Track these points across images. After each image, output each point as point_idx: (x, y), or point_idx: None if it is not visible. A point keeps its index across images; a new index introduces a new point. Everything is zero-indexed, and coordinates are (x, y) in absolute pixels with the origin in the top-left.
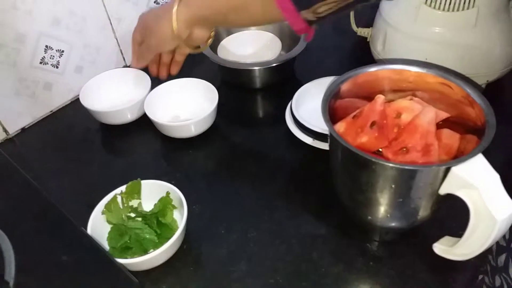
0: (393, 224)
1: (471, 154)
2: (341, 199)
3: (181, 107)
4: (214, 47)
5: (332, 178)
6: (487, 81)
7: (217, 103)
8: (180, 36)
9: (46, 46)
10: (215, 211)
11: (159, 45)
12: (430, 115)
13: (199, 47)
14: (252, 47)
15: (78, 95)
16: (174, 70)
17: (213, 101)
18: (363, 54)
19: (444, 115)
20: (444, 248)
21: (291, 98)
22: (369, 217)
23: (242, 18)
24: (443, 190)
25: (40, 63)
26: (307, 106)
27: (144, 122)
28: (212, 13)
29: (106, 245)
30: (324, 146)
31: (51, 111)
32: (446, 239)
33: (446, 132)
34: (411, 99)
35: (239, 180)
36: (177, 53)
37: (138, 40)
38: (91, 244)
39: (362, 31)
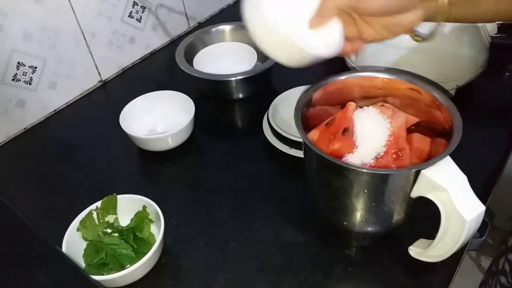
0: (369, 229)
1: (439, 157)
2: (317, 206)
3: (157, 120)
4: (190, 59)
5: (308, 185)
6: (457, 85)
7: (194, 114)
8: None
9: (18, 63)
10: (193, 223)
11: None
12: (400, 120)
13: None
14: (228, 58)
15: (53, 111)
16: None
17: (190, 113)
18: (337, 63)
19: (414, 120)
20: (419, 251)
21: (268, 107)
22: (345, 223)
23: (491, 5)
24: (414, 193)
25: (13, 80)
26: (284, 115)
27: (120, 136)
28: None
29: (82, 262)
30: (301, 154)
31: (24, 128)
32: (421, 242)
33: (416, 137)
34: (382, 105)
35: (217, 191)
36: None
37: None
38: (67, 262)
39: None
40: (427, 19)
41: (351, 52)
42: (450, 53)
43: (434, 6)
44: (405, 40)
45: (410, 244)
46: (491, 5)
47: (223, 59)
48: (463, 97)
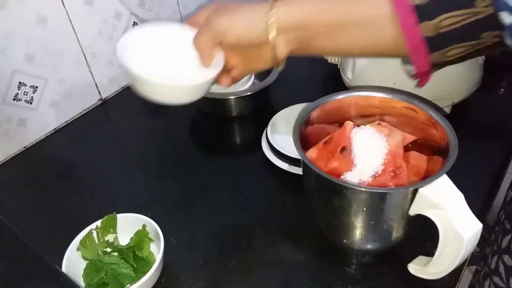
0: (368, 247)
1: (436, 175)
2: (317, 223)
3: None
4: None
5: (307, 203)
6: (453, 102)
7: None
8: (270, 43)
9: (20, 83)
10: (193, 242)
11: (239, 43)
12: (397, 138)
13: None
14: None
15: (53, 130)
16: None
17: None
18: (334, 81)
19: (411, 138)
20: (418, 268)
21: (266, 125)
22: (345, 241)
23: (351, 40)
24: (412, 211)
25: (14, 99)
26: (282, 132)
27: (120, 155)
28: (318, 23)
29: (81, 282)
30: (300, 171)
31: (25, 147)
32: (420, 259)
33: (414, 154)
34: (379, 124)
35: (216, 210)
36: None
37: (206, 43)
38: (66, 282)
39: (332, 59)
40: (281, 53)
41: (226, 84)
42: (445, 71)
43: (287, 39)
44: None
45: (410, 261)
46: (350, 38)
47: None
48: (458, 113)
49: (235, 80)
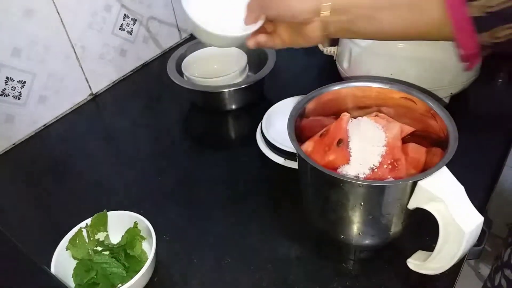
0: (366, 242)
1: (436, 167)
2: (313, 218)
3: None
4: (181, 71)
5: (303, 197)
6: (451, 93)
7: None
8: (321, 21)
9: (7, 78)
10: (186, 239)
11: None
12: (395, 130)
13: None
14: (217, 62)
15: (42, 126)
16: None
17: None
18: (330, 73)
19: (409, 129)
20: (417, 263)
21: (261, 118)
22: (342, 236)
23: (394, 22)
24: (411, 205)
25: (1, 95)
26: (277, 126)
27: (111, 150)
28: (363, 5)
29: (71, 283)
30: (296, 165)
31: (13, 144)
32: (419, 254)
33: (412, 146)
34: (376, 115)
35: (210, 206)
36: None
37: (253, 8)
38: (55, 283)
39: (328, 50)
40: (327, 33)
41: (265, 44)
42: (443, 60)
43: (325, 17)
44: (398, 49)
45: (409, 256)
46: (394, 20)
47: (213, 62)
48: (457, 104)
49: (276, 45)
